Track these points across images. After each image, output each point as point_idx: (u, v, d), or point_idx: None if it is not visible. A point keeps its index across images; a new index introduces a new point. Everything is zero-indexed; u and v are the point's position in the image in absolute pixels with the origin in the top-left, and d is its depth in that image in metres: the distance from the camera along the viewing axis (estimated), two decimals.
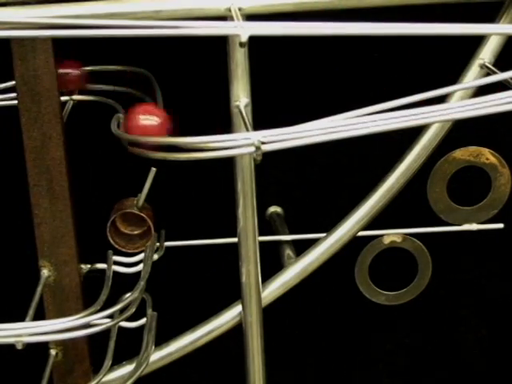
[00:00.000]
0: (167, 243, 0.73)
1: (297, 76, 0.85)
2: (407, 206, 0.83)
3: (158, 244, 0.71)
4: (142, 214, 0.68)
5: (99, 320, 0.60)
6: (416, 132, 0.72)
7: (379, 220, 0.74)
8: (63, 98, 0.69)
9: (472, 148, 0.73)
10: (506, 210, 0.76)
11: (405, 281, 0.80)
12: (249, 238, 0.68)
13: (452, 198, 0.75)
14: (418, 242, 0.77)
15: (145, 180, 0.68)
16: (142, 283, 0.64)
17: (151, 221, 0.68)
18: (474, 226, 0.76)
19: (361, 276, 0.79)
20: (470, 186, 0.81)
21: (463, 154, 0.73)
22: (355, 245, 0.76)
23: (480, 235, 0.78)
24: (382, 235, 0.77)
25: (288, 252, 0.78)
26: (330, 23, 0.52)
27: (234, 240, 0.70)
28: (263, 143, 0.53)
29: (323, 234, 0.75)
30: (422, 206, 0.75)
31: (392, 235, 0.77)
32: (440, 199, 0.74)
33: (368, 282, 0.79)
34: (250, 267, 0.69)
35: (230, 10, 0.58)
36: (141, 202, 0.68)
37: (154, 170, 0.67)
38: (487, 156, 0.74)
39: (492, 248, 0.91)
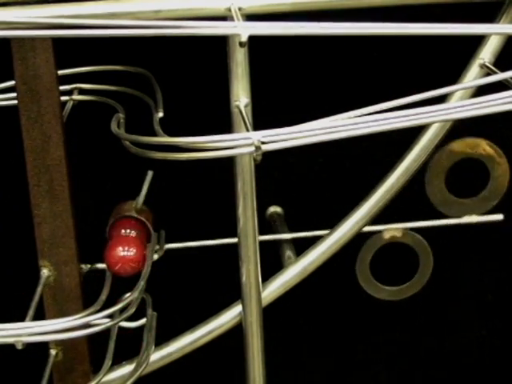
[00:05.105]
0: (167, 245, 0.73)
1: (297, 76, 0.85)
2: (406, 201, 0.83)
3: (157, 247, 0.71)
4: (141, 218, 0.68)
5: (99, 320, 0.60)
6: (416, 132, 0.72)
7: (379, 215, 0.74)
8: (63, 98, 0.69)
9: (468, 140, 0.73)
10: (505, 200, 0.76)
11: (407, 275, 0.80)
12: (249, 238, 0.68)
13: (450, 191, 0.75)
14: (418, 235, 0.77)
15: (145, 180, 0.68)
16: (141, 283, 0.64)
17: (150, 223, 0.68)
18: (474, 218, 0.76)
19: (362, 272, 0.78)
20: (468, 178, 0.80)
21: (460, 146, 0.73)
22: (355, 241, 0.76)
23: (480, 227, 0.78)
24: (382, 230, 0.77)
25: (288, 252, 0.78)
26: (330, 23, 0.52)
27: (234, 240, 0.70)
28: (263, 143, 0.53)
29: (324, 231, 0.74)
30: (421, 200, 0.75)
31: (392, 230, 0.77)
32: (438, 192, 0.74)
33: (370, 277, 0.79)
34: (249, 267, 0.69)
35: (230, 10, 0.58)
36: (139, 205, 0.68)
37: (150, 172, 0.67)
38: (484, 147, 0.73)
39: (492, 239, 0.91)
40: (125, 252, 0.65)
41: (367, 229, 0.76)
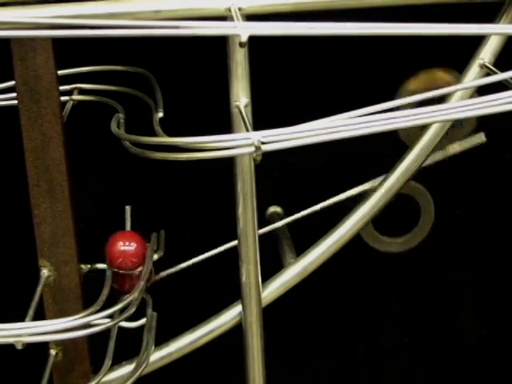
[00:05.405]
0: (170, 270, 0.73)
1: (297, 76, 0.85)
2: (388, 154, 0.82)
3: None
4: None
5: (99, 320, 0.60)
6: None
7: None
8: (63, 98, 0.69)
9: (422, 75, 0.72)
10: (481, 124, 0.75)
11: (412, 225, 0.79)
12: (249, 239, 0.68)
13: None
14: (410, 180, 0.75)
15: (145, 180, 0.68)
16: (141, 283, 0.64)
17: (144, 249, 0.68)
18: (457, 147, 0.74)
19: (366, 231, 0.77)
20: None
21: (416, 83, 0.72)
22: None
23: (466, 156, 0.76)
24: None
25: (288, 252, 0.78)
26: (330, 23, 0.52)
27: (234, 243, 0.70)
28: (263, 143, 0.53)
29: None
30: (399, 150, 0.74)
31: None
32: (409, 133, 0.73)
33: (374, 234, 0.77)
34: (249, 267, 0.69)
35: (229, 10, 0.58)
36: None
37: (128, 207, 0.67)
38: (441, 76, 0.72)
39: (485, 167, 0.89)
40: (125, 246, 0.66)
41: (358, 191, 0.75)
